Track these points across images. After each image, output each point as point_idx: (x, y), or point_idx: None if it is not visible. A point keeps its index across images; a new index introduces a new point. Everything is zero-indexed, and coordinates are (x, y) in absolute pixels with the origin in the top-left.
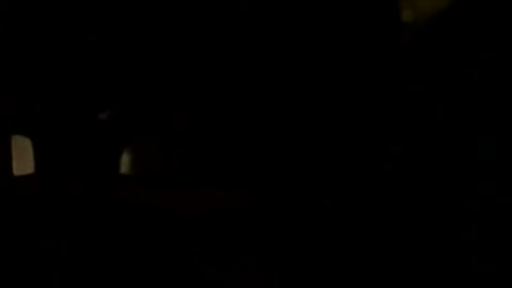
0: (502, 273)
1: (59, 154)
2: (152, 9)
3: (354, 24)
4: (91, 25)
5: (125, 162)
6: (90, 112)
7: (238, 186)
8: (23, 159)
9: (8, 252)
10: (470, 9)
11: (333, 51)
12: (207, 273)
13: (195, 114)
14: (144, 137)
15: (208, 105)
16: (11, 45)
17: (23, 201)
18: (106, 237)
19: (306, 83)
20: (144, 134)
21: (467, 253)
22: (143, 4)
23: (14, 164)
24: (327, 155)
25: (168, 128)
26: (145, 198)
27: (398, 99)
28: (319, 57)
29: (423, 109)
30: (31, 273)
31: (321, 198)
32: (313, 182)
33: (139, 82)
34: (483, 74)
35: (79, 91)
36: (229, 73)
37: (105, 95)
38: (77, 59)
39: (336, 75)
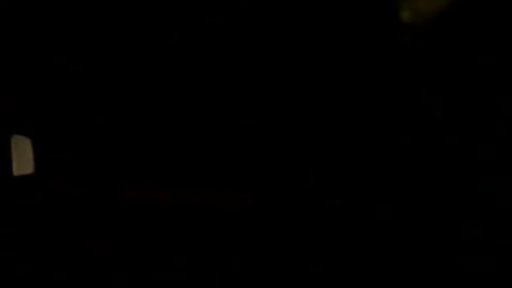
0: (502, 273)
1: (59, 154)
2: (152, 10)
3: (354, 24)
4: (91, 25)
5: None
6: (90, 112)
7: (241, 186)
8: (23, 159)
9: (8, 253)
10: (470, 9)
11: (332, 51)
12: (208, 273)
13: (195, 115)
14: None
15: (209, 106)
16: (11, 45)
17: (23, 201)
18: (106, 238)
19: (306, 83)
20: (144, 134)
21: (468, 253)
22: (143, 5)
23: (14, 164)
24: (328, 155)
25: (168, 128)
26: (146, 199)
27: (398, 99)
28: (318, 57)
29: (423, 109)
30: (31, 273)
31: (324, 198)
32: (315, 181)
33: (140, 83)
34: (483, 73)
35: (79, 91)
36: (228, 73)
37: (105, 95)
38: (77, 60)
39: (336, 75)
